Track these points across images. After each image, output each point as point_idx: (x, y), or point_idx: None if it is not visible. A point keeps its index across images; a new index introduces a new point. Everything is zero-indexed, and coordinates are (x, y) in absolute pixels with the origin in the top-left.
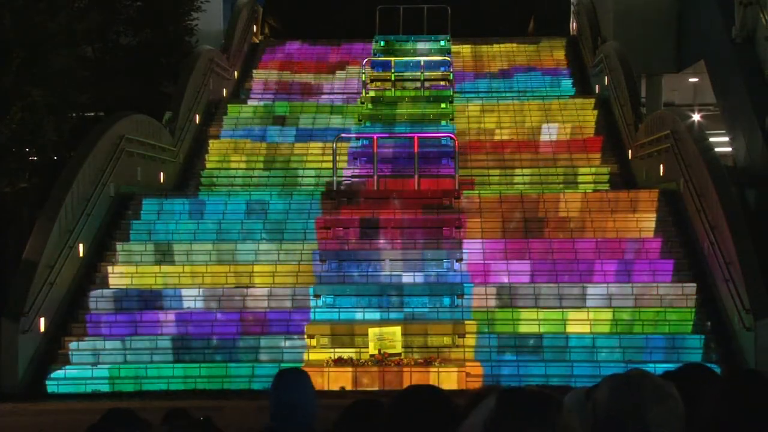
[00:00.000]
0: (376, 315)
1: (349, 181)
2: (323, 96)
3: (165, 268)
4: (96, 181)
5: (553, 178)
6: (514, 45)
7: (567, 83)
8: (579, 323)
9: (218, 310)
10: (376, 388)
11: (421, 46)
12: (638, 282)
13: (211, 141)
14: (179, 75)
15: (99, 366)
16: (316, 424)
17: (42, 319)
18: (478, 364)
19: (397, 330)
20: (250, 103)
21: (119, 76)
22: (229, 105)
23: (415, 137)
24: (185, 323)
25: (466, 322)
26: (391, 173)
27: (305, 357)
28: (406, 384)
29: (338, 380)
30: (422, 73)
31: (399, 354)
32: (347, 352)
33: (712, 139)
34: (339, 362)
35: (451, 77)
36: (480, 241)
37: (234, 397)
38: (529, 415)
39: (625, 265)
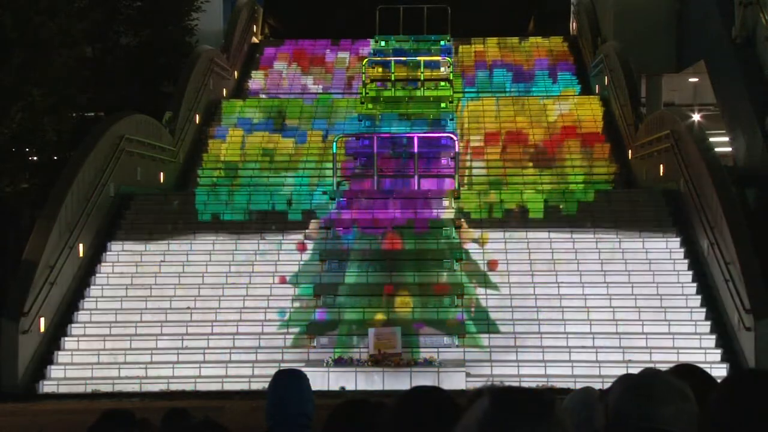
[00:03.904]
0: (376, 315)
1: (348, 181)
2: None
3: (165, 267)
4: (96, 181)
5: (553, 178)
6: (514, 44)
7: (566, 83)
8: (578, 323)
9: (218, 309)
10: (376, 388)
11: (421, 46)
12: (638, 282)
13: (210, 141)
14: (179, 75)
15: (99, 366)
16: (314, 425)
17: (42, 319)
18: (478, 364)
19: (397, 330)
20: (249, 102)
21: (119, 76)
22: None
23: (415, 137)
24: (185, 323)
25: (466, 321)
26: (391, 173)
27: (305, 357)
28: (405, 384)
29: (338, 380)
30: (422, 72)
31: (399, 354)
32: (347, 352)
33: (712, 139)
34: (339, 362)
35: (451, 77)
36: (479, 240)
37: (234, 397)
38: (522, 414)
39: (625, 266)
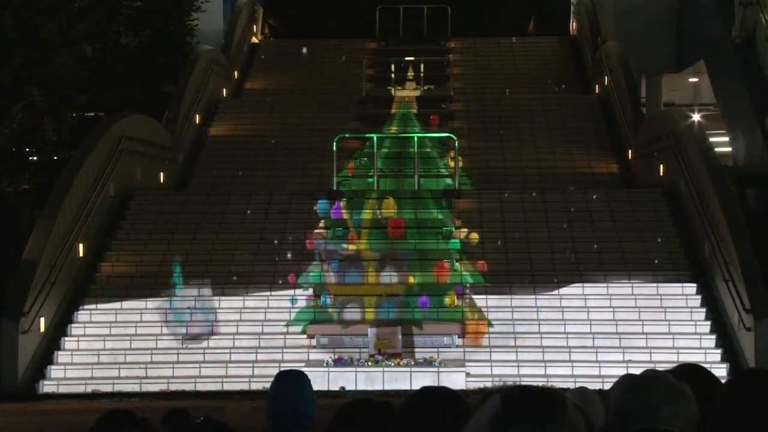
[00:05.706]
0: (376, 315)
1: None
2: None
3: (165, 267)
4: (96, 181)
5: (553, 178)
6: (514, 43)
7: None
8: (578, 323)
9: (218, 310)
10: (377, 388)
11: (420, 46)
12: (638, 282)
13: (210, 141)
14: (179, 75)
15: (99, 366)
16: (315, 426)
17: (42, 319)
18: (478, 364)
19: (397, 330)
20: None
21: (119, 76)
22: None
23: (415, 137)
24: (185, 323)
25: (467, 322)
26: (391, 173)
27: (305, 357)
28: (406, 384)
29: (338, 380)
30: (422, 73)
31: (399, 354)
32: (347, 352)
33: (712, 139)
34: (339, 362)
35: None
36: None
37: (234, 397)
38: (534, 413)
39: (625, 265)
